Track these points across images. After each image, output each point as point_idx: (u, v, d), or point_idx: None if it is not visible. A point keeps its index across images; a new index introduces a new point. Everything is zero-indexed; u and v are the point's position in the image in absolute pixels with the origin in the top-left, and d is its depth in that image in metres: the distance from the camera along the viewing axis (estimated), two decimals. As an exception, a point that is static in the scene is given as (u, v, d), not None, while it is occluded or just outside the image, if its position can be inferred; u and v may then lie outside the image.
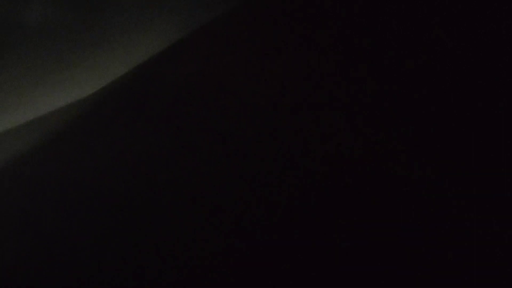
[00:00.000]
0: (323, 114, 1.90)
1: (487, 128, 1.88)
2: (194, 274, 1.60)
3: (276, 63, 2.01)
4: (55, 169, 1.84)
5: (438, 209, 1.63)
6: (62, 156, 1.89)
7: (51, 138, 1.98)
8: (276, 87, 1.94)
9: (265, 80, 1.98)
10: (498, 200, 1.62)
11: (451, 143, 1.83)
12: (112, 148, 1.92)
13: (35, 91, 2.23)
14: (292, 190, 1.70)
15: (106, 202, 1.73)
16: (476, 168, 1.73)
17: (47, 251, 1.66)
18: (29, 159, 1.90)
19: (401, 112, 1.87)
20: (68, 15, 2.73)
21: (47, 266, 1.64)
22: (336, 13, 2.17)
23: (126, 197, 1.74)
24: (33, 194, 1.81)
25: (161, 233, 1.67)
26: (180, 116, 2.04)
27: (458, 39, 2.10)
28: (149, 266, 1.62)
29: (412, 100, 1.90)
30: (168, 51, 2.27)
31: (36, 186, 1.82)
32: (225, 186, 1.76)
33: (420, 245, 1.56)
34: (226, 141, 1.85)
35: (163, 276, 1.60)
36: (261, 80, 1.98)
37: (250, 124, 1.88)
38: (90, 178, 1.79)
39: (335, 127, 1.86)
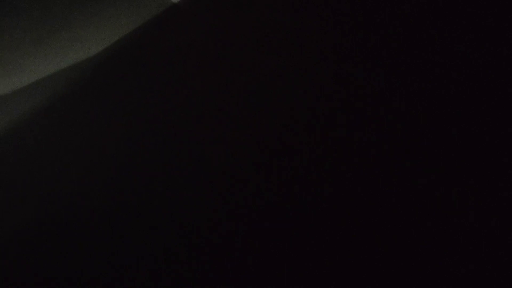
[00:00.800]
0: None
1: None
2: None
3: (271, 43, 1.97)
4: (55, 136, 1.84)
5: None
6: (63, 121, 1.87)
7: (51, 102, 1.95)
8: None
9: (262, 53, 1.94)
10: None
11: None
12: (113, 111, 1.90)
13: (36, 52, 2.17)
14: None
15: (106, 168, 1.75)
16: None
17: (46, 217, 1.70)
18: (30, 124, 1.88)
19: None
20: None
21: (48, 233, 1.68)
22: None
23: (125, 163, 1.76)
24: (34, 160, 1.82)
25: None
26: (176, 81, 2.01)
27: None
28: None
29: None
30: (168, 15, 2.23)
31: (37, 152, 1.82)
32: (223, 146, 1.77)
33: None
34: (220, 106, 1.84)
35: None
36: (257, 53, 1.94)
37: (247, 92, 1.87)
38: (89, 144, 1.79)
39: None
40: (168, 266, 1.59)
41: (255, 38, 1.97)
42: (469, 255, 1.54)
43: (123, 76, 2.11)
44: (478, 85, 1.88)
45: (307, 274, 1.56)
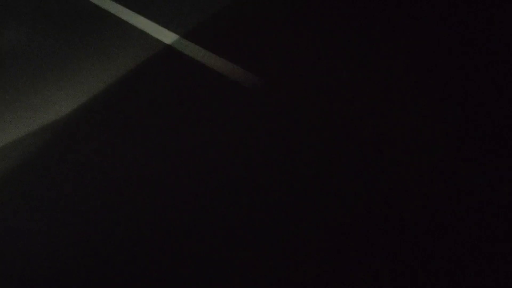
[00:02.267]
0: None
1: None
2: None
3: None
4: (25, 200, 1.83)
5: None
6: (32, 186, 1.87)
7: (22, 165, 1.95)
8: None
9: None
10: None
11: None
12: (87, 171, 1.90)
13: (6, 114, 2.20)
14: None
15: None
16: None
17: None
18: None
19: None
20: (40, 39, 2.72)
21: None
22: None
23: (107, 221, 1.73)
24: None
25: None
26: (149, 131, 2.07)
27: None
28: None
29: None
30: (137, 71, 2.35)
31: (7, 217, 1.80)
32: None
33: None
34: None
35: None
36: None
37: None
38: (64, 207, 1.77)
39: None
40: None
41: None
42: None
43: (95, 133, 2.12)
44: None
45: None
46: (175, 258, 1.57)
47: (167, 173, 1.82)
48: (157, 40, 2.55)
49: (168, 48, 2.47)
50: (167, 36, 2.57)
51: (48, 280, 1.57)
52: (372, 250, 1.50)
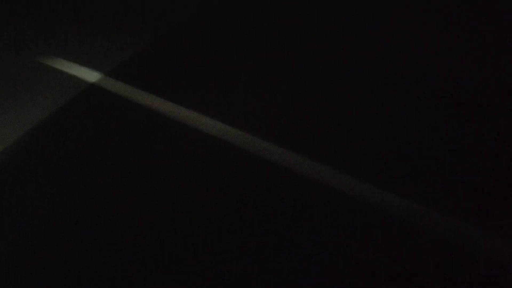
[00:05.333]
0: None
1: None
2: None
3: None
4: None
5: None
6: None
7: None
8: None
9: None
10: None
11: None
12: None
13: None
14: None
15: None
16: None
17: None
18: None
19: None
20: None
21: None
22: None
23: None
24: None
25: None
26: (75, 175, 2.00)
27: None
28: None
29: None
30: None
31: None
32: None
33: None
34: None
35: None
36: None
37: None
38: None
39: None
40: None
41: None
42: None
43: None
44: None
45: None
46: None
47: (95, 216, 1.77)
48: (80, 80, 2.49)
49: (93, 87, 2.42)
50: (90, 75, 2.52)
51: None
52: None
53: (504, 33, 2.32)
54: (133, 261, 1.59)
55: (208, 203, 1.75)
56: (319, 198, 1.70)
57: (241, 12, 2.94)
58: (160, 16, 3.00)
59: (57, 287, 1.56)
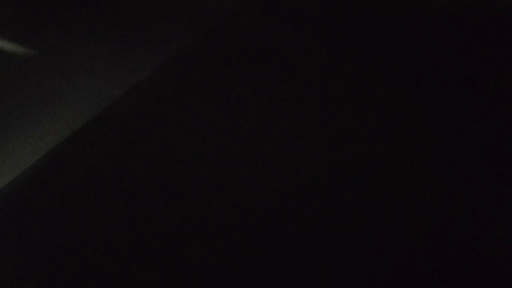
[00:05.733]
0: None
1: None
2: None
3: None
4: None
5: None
6: None
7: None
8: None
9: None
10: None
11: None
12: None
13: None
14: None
15: None
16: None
17: None
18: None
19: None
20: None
21: None
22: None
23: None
24: None
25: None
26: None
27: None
28: None
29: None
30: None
31: None
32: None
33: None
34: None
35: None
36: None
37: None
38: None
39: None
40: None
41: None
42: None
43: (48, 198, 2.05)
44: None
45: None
46: None
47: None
48: (99, 95, 2.51)
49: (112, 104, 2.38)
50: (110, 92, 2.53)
51: None
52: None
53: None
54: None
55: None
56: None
57: (252, 35, 2.80)
58: (169, 39, 2.90)
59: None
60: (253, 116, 2.24)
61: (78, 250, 1.69)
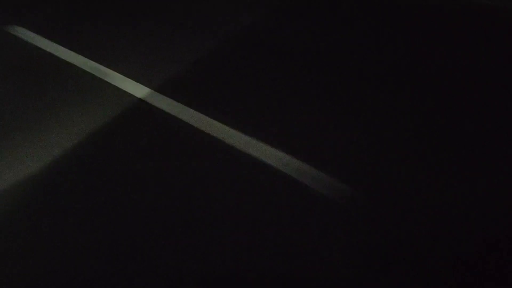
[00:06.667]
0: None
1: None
2: None
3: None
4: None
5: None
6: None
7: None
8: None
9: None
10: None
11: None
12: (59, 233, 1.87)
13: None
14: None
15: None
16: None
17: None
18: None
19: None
20: (10, 94, 2.71)
21: None
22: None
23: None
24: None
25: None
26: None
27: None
28: None
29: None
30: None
31: None
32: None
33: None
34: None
35: None
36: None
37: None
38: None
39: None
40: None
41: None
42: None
43: (67, 194, 2.11)
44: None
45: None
46: None
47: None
48: (130, 95, 2.59)
49: (141, 102, 2.51)
50: (140, 90, 2.62)
51: None
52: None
53: None
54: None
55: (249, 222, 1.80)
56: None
57: (289, 31, 3.01)
58: (208, 32, 3.09)
59: None
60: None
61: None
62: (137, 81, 2.69)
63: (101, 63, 2.89)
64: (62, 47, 3.10)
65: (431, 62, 2.62)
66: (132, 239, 1.78)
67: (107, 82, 2.72)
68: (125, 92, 2.61)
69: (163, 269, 1.66)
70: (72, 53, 3.02)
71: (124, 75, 2.75)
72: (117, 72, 2.79)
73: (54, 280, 1.68)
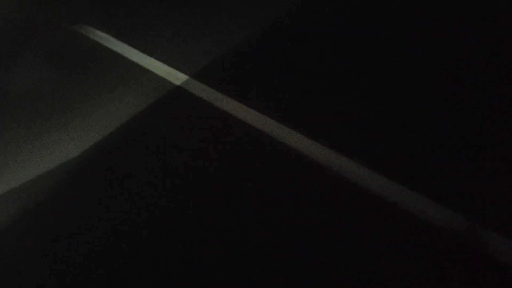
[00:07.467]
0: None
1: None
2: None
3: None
4: (36, 242, 1.85)
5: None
6: (44, 226, 1.89)
7: (34, 206, 1.98)
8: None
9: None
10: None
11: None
12: (101, 214, 1.91)
13: (18, 156, 2.25)
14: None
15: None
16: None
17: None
18: (12, 229, 1.91)
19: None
20: (52, 79, 2.81)
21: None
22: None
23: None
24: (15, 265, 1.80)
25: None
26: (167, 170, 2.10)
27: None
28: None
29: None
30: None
31: (18, 257, 1.82)
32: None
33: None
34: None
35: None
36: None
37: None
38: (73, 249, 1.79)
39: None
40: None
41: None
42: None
43: (106, 175, 2.14)
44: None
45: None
46: None
47: (172, 216, 1.83)
48: (167, 81, 2.62)
49: (178, 89, 2.53)
50: (177, 77, 2.64)
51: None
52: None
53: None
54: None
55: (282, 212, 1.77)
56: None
57: (325, 19, 2.93)
58: (245, 21, 3.07)
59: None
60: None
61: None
62: (174, 67, 2.73)
63: (143, 52, 2.94)
64: (106, 34, 3.19)
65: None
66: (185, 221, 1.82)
67: (148, 69, 2.77)
68: (164, 79, 2.65)
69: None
70: (116, 41, 3.10)
71: (163, 63, 2.80)
72: (157, 60, 2.84)
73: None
